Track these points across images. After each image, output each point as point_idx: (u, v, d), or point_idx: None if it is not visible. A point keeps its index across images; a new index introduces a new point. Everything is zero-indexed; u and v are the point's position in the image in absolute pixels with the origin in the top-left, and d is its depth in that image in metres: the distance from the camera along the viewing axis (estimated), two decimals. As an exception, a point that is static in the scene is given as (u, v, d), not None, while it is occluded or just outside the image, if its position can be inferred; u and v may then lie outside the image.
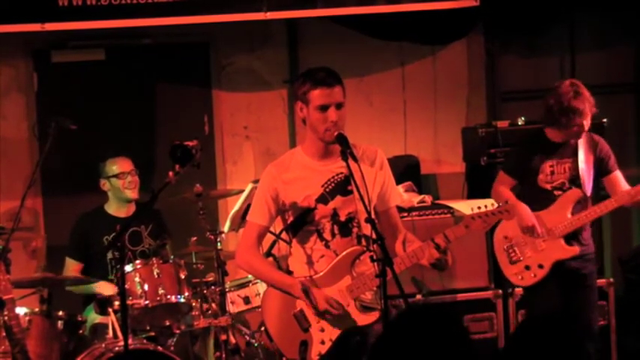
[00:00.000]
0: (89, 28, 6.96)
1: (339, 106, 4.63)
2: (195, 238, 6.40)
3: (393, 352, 2.95)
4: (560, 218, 5.97)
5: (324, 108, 4.61)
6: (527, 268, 6.03)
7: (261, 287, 6.09)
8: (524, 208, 5.95)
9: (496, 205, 5.19)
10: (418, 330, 2.97)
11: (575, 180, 6.00)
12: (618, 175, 6.09)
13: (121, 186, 6.48)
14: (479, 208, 4.81)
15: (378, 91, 7.95)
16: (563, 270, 6.02)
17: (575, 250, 6.00)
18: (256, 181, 5.40)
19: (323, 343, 4.67)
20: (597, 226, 6.89)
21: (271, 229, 5.19)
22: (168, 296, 5.84)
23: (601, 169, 6.08)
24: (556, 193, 6.00)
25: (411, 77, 8.02)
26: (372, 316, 4.66)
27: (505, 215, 4.78)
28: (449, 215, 6.77)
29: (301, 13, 7.21)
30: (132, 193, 6.50)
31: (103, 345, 5.63)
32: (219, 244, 6.12)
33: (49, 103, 7.50)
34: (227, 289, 6.12)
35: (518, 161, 6.10)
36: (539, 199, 6.00)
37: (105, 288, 6.15)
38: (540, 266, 6.00)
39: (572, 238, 6.02)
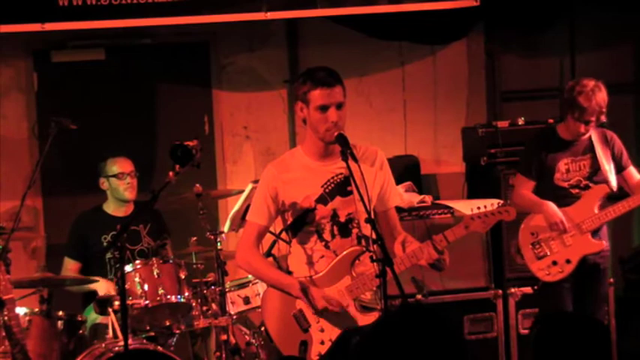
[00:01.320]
0: (89, 28, 6.96)
1: (339, 106, 4.63)
2: (195, 238, 6.40)
3: (381, 351, 2.94)
4: (587, 213, 5.95)
5: (324, 108, 4.61)
6: (555, 263, 6.00)
7: (261, 287, 6.09)
8: (551, 205, 5.94)
9: (495, 205, 5.18)
10: (406, 329, 2.96)
11: (592, 177, 5.99)
12: (632, 171, 6.08)
13: (119, 186, 6.50)
14: (479, 208, 4.78)
15: (377, 92, 7.94)
16: (584, 265, 5.99)
17: (602, 244, 6.00)
18: (256, 181, 5.40)
19: (323, 343, 4.66)
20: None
21: (271, 229, 5.19)
22: (168, 296, 5.84)
23: (615, 166, 6.06)
24: (572, 191, 5.99)
25: (410, 77, 8.01)
26: (372, 317, 4.66)
27: (505, 215, 4.78)
28: (449, 215, 6.77)
29: (301, 13, 7.21)
30: (129, 194, 6.51)
31: (103, 345, 5.62)
32: (219, 244, 6.11)
33: (49, 103, 7.50)
34: (227, 289, 6.12)
35: (530, 159, 6.08)
36: (556, 197, 5.98)
37: (101, 287, 6.15)
38: (568, 261, 5.97)
39: (593, 233, 6.00)
